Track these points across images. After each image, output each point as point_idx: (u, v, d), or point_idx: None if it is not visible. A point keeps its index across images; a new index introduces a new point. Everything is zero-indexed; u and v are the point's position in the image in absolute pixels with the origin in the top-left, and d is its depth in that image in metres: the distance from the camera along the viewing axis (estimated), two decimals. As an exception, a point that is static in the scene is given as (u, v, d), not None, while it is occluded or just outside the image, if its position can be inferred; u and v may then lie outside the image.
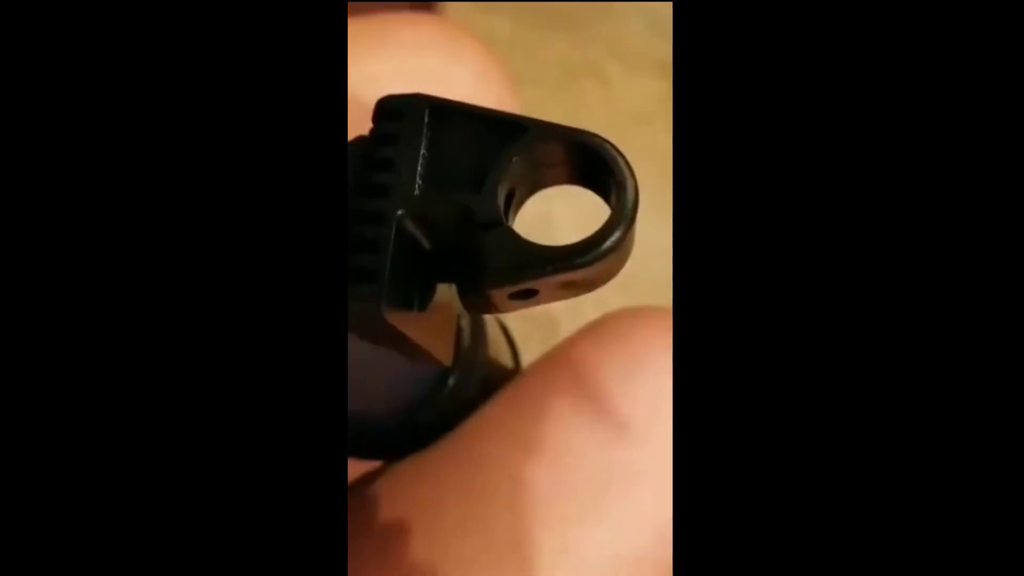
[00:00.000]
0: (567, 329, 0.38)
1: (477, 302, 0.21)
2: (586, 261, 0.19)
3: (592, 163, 0.20)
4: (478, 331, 0.35)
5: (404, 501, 0.32)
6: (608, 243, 0.19)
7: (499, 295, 0.20)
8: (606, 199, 0.20)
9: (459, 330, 0.30)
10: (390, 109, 0.21)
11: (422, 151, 0.20)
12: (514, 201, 0.20)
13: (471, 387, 0.36)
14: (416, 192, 0.20)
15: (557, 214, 0.55)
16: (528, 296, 0.20)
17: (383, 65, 0.37)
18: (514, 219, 0.20)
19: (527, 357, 0.41)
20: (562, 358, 0.34)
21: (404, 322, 0.21)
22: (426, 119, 0.20)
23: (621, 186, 0.19)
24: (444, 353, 0.24)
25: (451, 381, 0.34)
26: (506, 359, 0.40)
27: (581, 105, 0.75)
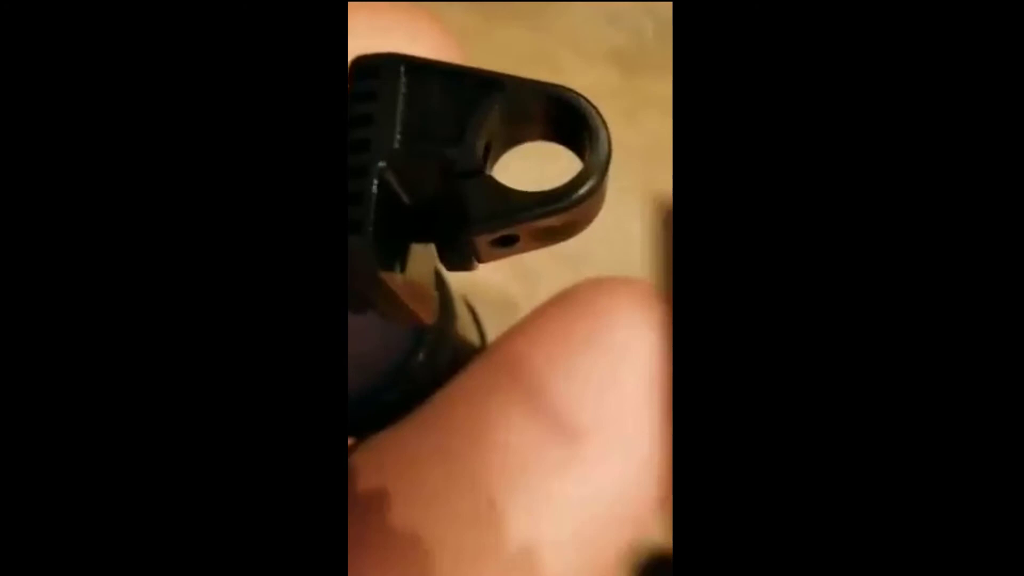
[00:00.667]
0: (524, 307, 0.39)
1: (458, 255, 0.21)
2: (565, 205, 0.19)
3: (567, 117, 0.20)
4: (447, 307, 0.36)
5: (382, 470, 0.32)
6: (585, 188, 0.20)
7: (481, 242, 0.20)
8: (580, 154, 0.21)
9: (434, 299, 0.30)
10: (366, 67, 0.21)
11: (400, 107, 0.20)
12: (491, 155, 0.21)
13: (442, 361, 0.36)
14: (396, 146, 0.20)
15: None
16: (509, 243, 0.20)
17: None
18: (491, 172, 0.21)
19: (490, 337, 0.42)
20: (530, 327, 0.35)
21: (390, 280, 0.21)
22: (402, 76, 0.21)
23: (595, 135, 0.20)
24: (426, 312, 0.24)
25: (421, 356, 0.35)
26: (473, 335, 0.41)
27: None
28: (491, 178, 0.20)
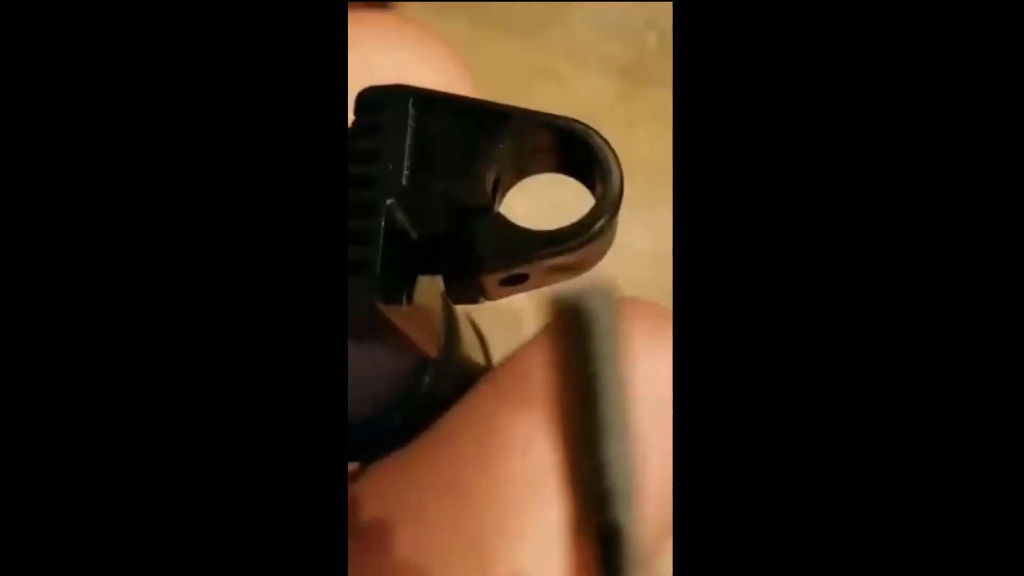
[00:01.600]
0: (531, 326, 0.38)
1: (465, 290, 0.21)
2: (576, 244, 0.19)
3: (577, 151, 0.20)
4: (452, 330, 0.35)
5: (387, 501, 0.32)
6: (597, 227, 0.19)
7: (490, 281, 0.20)
8: (590, 186, 0.21)
9: (439, 326, 0.30)
10: (371, 101, 0.21)
11: (408, 141, 0.20)
12: (500, 188, 0.21)
13: (447, 385, 0.36)
14: (404, 182, 0.20)
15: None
16: (519, 281, 0.20)
17: (349, 67, 0.37)
18: (500, 206, 0.21)
19: (495, 355, 0.41)
20: (534, 351, 0.34)
21: (394, 314, 0.21)
22: (410, 110, 0.20)
23: (607, 173, 0.20)
24: (430, 344, 0.24)
25: (427, 380, 0.34)
26: (478, 356, 0.40)
27: (534, 105, 0.75)
28: (500, 216, 0.20)
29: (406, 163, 0.20)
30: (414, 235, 0.20)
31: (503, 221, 0.19)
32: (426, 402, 0.35)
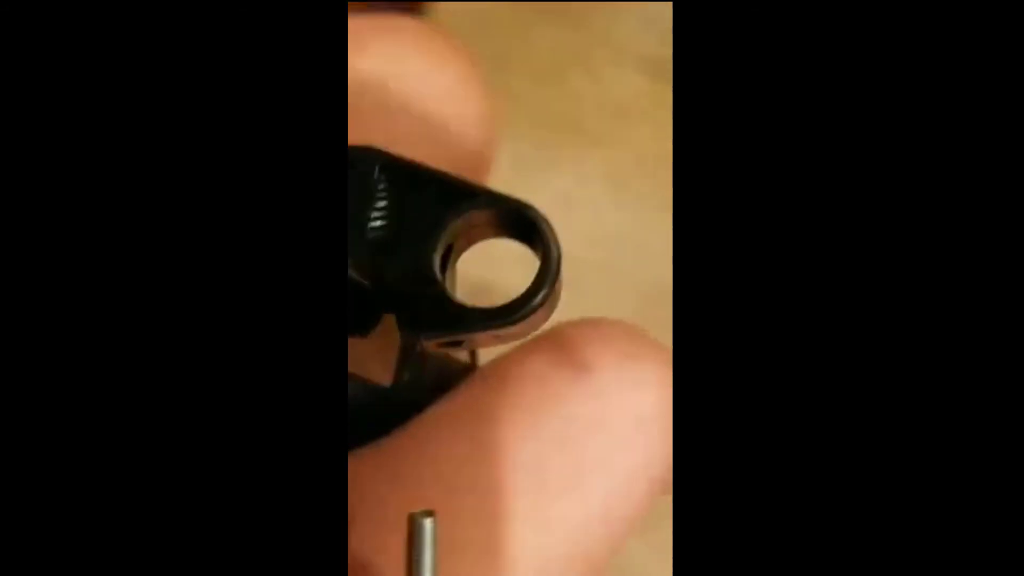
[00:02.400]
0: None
1: (410, 340, 0.23)
2: (513, 320, 0.21)
3: (526, 228, 0.22)
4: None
5: (353, 495, 0.33)
6: (534, 302, 0.21)
7: (428, 344, 0.22)
8: (535, 251, 0.22)
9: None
10: None
11: (370, 204, 0.22)
12: (452, 254, 0.23)
13: (426, 383, 0.37)
14: (360, 243, 0.22)
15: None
16: (458, 345, 0.22)
17: (359, 70, 0.38)
18: (453, 269, 0.23)
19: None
20: (509, 369, 0.35)
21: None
22: (376, 174, 0.22)
23: (547, 249, 0.21)
24: (382, 374, 0.26)
25: (404, 376, 0.36)
26: (462, 355, 0.42)
27: (565, 93, 0.76)
28: (444, 292, 0.21)
29: (365, 225, 0.22)
30: (367, 286, 0.22)
31: (444, 296, 0.21)
32: (403, 397, 0.37)
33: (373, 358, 0.25)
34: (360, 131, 0.36)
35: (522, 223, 0.22)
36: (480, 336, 0.22)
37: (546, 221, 0.22)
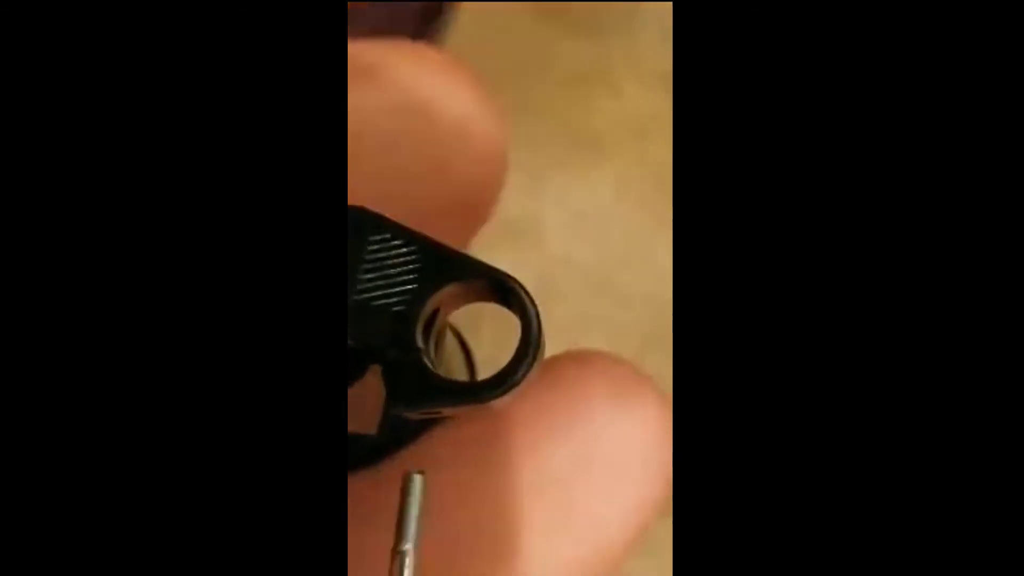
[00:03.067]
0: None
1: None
2: (491, 396, 0.21)
3: (508, 295, 0.22)
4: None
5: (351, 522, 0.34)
6: (515, 377, 0.21)
7: (407, 414, 0.22)
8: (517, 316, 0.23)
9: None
10: None
11: (361, 265, 0.22)
12: (437, 317, 0.23)
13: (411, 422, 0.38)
14: (350, 303, 0.22)
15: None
16: (435, 414, 0.22)
17: (371, 96, 0.38)
18: (443, 331, 0.23)
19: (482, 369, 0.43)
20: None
21: None
22: (366, 234, 0.23)
23: (527, 324, 0.22)
24: (367, 423, 0.26)
25: (387, 426, 0.36)
26: (461, 370, 0.42)
27: (584, 108, 0.76)
28: (425, 367, 0.22)
29: (354, 287, 0.22)
30: (351, 342, 0.23)
31: (426, 372, 0.22)
32: (398, 421, 0.37)
33: (356, 407, 0.25)
34: (372, 160, 0.37)
35: (507, 293, 0.22)
36: (454, 411, 0.22)
37: (526, 292, 0.22)
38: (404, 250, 0.22)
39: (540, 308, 0.23)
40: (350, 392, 0.24)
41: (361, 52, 0.38)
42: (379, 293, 0.22)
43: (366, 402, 0.26)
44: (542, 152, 0.74)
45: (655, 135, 0.73)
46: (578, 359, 0.38)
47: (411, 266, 0.22)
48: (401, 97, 0.39)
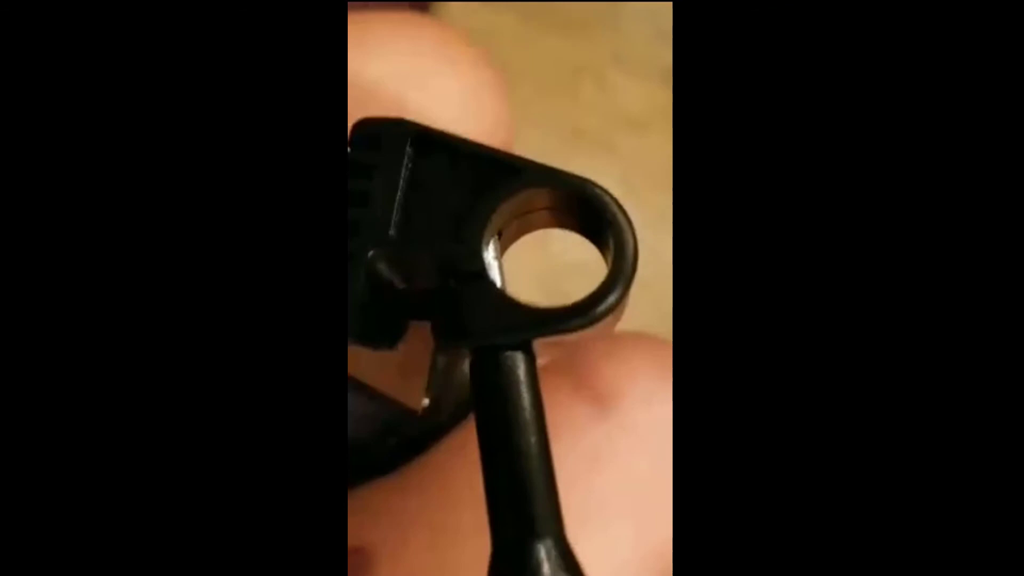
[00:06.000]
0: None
1: (451, 350, 0.19)
2: (581, 324, 0.17)
3: (589, 214, 0.18)
4: (449, 364, 0.34)
5: (372, 529, 0.30)
6: (604, 306, 0.17)
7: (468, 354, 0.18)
8: (602, 249, 0.19)
9: (436, 357, 0.28)
10: (368, 135, 0.19)
11: (400, 186, 0.18)
12: (500, 245, 0.18)
13: (445, 409, 0.34)
14: (391, 232, 0.18)
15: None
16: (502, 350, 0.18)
17: (373, 67, 0.35)
18: (502, 266, 0.19)
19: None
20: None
21: (367, 364, 0.19)
22: (408, 150, 0.18)
23: (620, 243, 0.17)
24: (413, 397, 0.22)
25: (425, 402, 0.33)
26: None
27: (577, 106, 0.73)
28: (493, 286, 0.17)
29: (396, 211, 0.18)
30: (399, 284, 0.19)
31: (496, 293, 0.17)
32: (423, 426, 0.33)
33: (403, 376, 0.21)
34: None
35: (585, 209, 0.18)
36: (536, 344, 0.18)
37: (618, 204, 0.18)
38: (454, 160, 0.18)
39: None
40: (394, 357, 0.20)
41: (363, 21, 0.35)
42: (427, 213, 0.18)
43: (410, 376, 0.22)
44: (533, 151, 0.70)
45: (645, 128, 0.70)
46: (608, 344, 0.35)
47: (464, 177, 0.18)
48: (405, 67, 0.36)
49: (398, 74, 0.36)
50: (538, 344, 0.18)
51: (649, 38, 0.74)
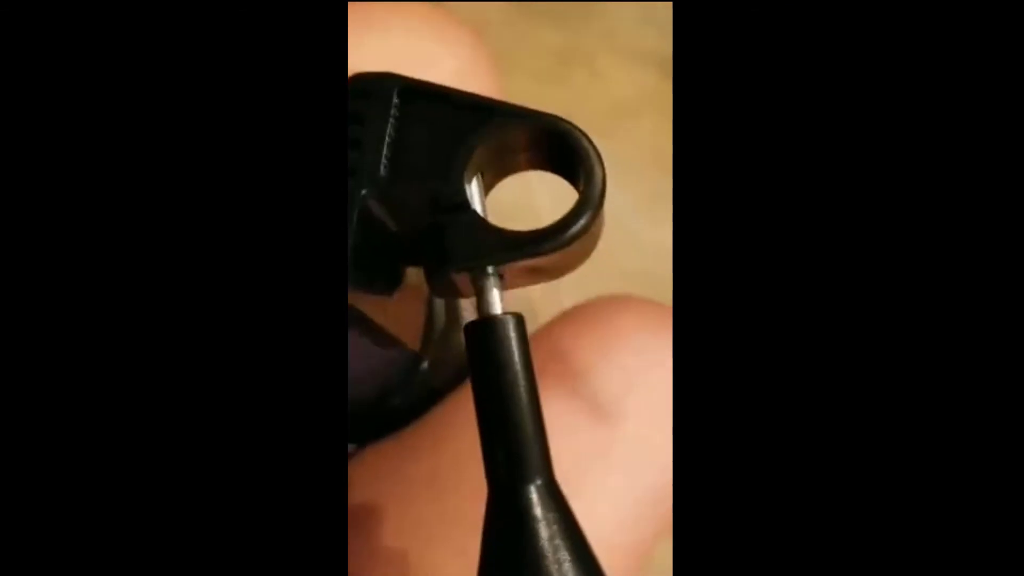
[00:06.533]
0: (545, 315, 0.38)
1: (443, 287, 0.20)
2: (554, 246, 0.19)
3: (560, 149, 0.20)
4: (453, 315, 0.35)
5: (377, 487, 0.32)
6: (575, 228, 0.19)
7: (462, 280, 0.20)
8: (575, 184, 0.20)
9: (433, 314, 0.30)
10: (359, 88, 0.20)
11: (388, 131, 0.20)
12: (482, 185, 0.20)
13: (445, 371, 0.35)
14: (382, 173, 0.19)
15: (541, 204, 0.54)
16: (486, 278, 0.20)
17: (368, 50, 0.36)
18: (484, 203, 0.20)
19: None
20: (538, 346, 0.34)
21: (368, 304, 0.20)
22: (395, 99, 0.20)
23: (589, 172, 0.19)
24: (412, 338, 0.23)
25: (424, 365, 0.34)
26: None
27: (570, 93, 0.75)
28: (475, 214, 0.19)
29: (385, 154, 0.20)
30: (392, 226, 0.20)
31: (477, 220, 0.19)
32: (423, 389, 0.35)
33: (402, 321, 0.22)
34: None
35: (557, 145, 0.20)
36: (518, 268, 0.19)
37: (587, 138, 0.19)
38: (438, 105, 0.20)
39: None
40: (392, 303, 0.21)
41: (356, 7, 0.37)
42: (416, 155, 0.19)
43: (405, 315, 0.23)
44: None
45: (643, 113, 0.72)
46: (608, 301, 0.37)
47: (447, 118, 0.19)
48: (400, 48, 0.38)
49: (396, 53, 0.37)
50: (519, 271, 0.19)
51: (637, 23, 0.76)
